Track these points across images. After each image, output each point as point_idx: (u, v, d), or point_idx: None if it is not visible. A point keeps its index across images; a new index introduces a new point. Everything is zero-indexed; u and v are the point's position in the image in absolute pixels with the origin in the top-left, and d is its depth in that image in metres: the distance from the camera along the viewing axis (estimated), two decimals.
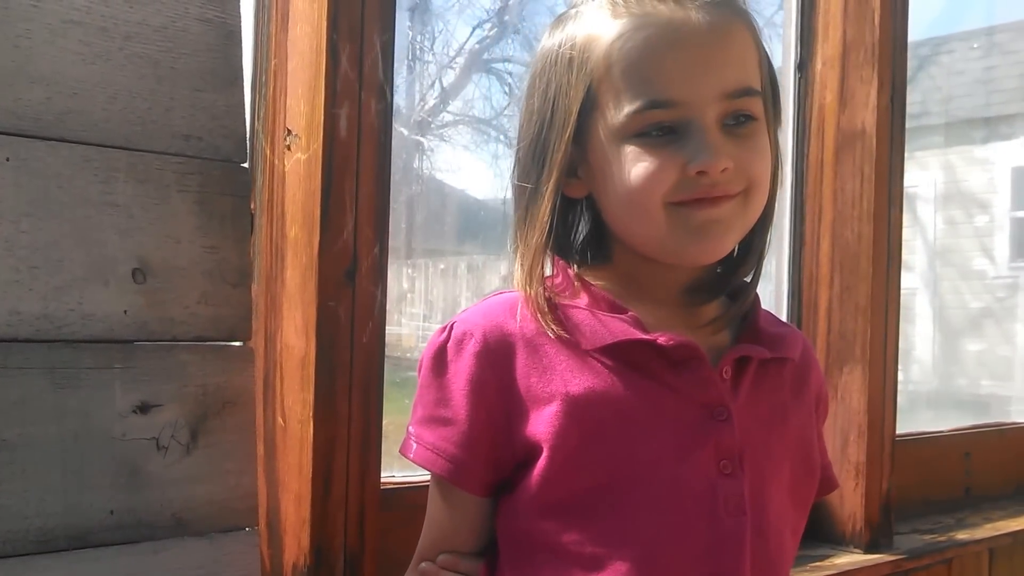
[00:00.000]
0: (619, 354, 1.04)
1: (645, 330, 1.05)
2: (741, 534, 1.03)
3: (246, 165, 1.28)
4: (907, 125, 2.14)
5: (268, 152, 1.35)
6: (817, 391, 1.18)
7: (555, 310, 1.06)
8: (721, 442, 1.04)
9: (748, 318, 1.12)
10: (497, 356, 1.05)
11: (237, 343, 1.27)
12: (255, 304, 1.34)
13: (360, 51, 1.31)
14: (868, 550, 1.98)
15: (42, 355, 1.11)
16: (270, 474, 1.34)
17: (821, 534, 2.00)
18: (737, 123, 1.03)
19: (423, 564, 1.13)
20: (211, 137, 1.23)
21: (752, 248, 1.12)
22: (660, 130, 1.02)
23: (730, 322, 1.12)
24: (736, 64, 1.04)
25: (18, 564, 1.08)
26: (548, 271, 1.11)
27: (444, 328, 1.09)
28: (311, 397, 1.29)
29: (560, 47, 1.07)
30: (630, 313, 1.06)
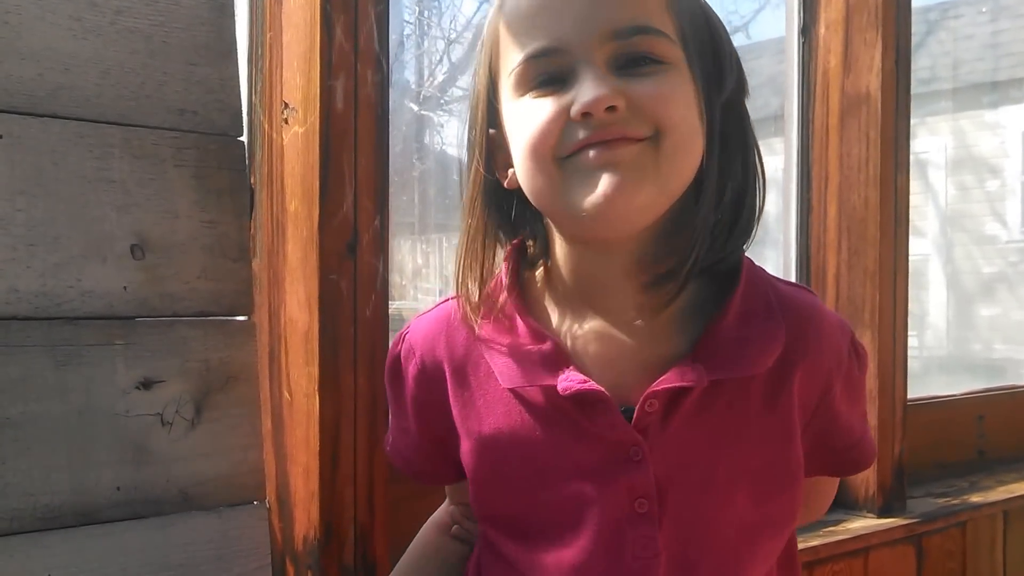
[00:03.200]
0: (529, 395, 1.01)
1: (561, 359, 1.00)
2: (647, 572, 0.98)
3: (243, 139, 1.27)
4: (916, 91, 2.12)
5: (266, 126, 1.35)
6: (822, 376, 1.04)
7: (475, 329, 1.04)
8: (634, 482, 0.98)
9: (716, 319, 1.00)
10: (432, 381, 1.08)
11: (239, 318, 1.27)
12: (258, 278, 1.34)
13: (355, 22, 1.30)
14: (881, 514, 1.97)
15: (42, 332, 1.11)
16: (278, 448, 1.34)
17: (835, 499, 1.99)
18: (636, 64, 0.94)
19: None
20: (206, 111, 1.23)
21: (706, 217, 0.98)
22: (545, 83, 0.95)
23: (690, 325, 1.01)
24: (624, 2, 0.94)
25: (25, 541, 1.08)
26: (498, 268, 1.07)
27: (399, 337, 1.13)
28: (316, 371, 1.29)
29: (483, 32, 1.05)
30: (547, 343, 1.00)
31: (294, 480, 1.32)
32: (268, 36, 1.34)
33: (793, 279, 2.11)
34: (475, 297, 1.04)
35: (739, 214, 1.02)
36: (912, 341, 2.11)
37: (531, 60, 0.96)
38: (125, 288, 1.16)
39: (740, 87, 1.04)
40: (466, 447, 1.05)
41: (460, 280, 1.05)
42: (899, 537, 1.94)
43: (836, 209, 2.07)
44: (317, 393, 1.29)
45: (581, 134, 0.93)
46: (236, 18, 1.27)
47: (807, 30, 2.13)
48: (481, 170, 1.04)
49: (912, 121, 2.10)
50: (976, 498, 2.16)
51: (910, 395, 2.07)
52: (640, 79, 0.94)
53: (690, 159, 0.96)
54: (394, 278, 1.38)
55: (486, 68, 1.02)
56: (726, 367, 0.97)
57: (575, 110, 0.92)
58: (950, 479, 2.31)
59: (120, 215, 1.16)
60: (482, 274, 1.04)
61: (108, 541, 1.14)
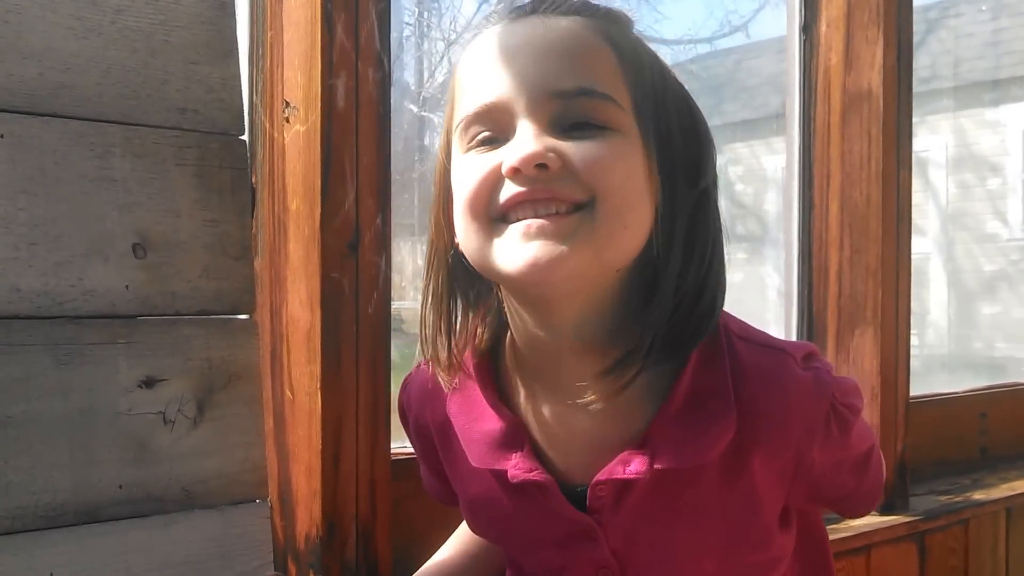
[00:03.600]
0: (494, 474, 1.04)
1: (516, 440, 1.01)
2: None
3: (244, 137, 1.27)
4: (917, 89, 2.12)
5: (267, 125, 1.35)
6: (790, 451, 0.99)
7: (443, 398, 1.07)
8: (594, 557, 1.01)
9: (664, 404, 0.97)
10: (426, 438, 1.15)
11: (241, 316, 1.27)
12: (260, 277, 1.34)
13: (355, 20, 1.30)
14: (884, 511, 1.97)
15: (44, 332, 1.11)
16: (280, 446, 1.34)
17: None
18: (578, 129, 0.91)
19: None
20: (207, 110, 1.23)
21: (662, 287, 0.95)
22: (487, 140, 0.94)
23: (648, 404, 0.98)
24: (572, 65, 0.92)
25: (27, 540, 1.08)
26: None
27: (404, 383, 1.20)
28: (318, 369, 1.29)
29: None
30: (503, 423, 1.02)
31: (296, 478, 1.32)
32: (269, 35, 1.34)
33: (795, 277, 2.12)
34: (444, 358, 1.03)
35: (699, 300, 0.97)
36: (913, 339, 2.11)
37: (476, 114, 0.94)
38: (127, 287, 1.16)
39: (714, 180, 1.00)
40: (460, 502, 1.14)
41: (428, 342, 1.05)
42: (902, 535, 1.94)
43: (838, 207, 2.07)
44: (319, 391, 1.29)
45: (512, 191, 0.91)
46: (237, 17, 1.27)
47: (808, 27, 2.13)
48: (443, 225, 1.02)
49: (913, 119, 2.10)
50: (978, 495, 2.16)
51: (912, 393, 2.07)
52: (579, 141, 0.91)
53: (630, 229, 0.93)
54: (394, 278, 1.38)
55: (447, 120, 1.01)
56: (672, 457, 0.95)
57: (505, 166, 0.90)
58: (952, 477, 2.31)
59: (122, 214, 1.16)
60: (449, 335, 1.03)
61: (110, 539, 1.13)
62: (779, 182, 2.22)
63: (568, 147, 0.90)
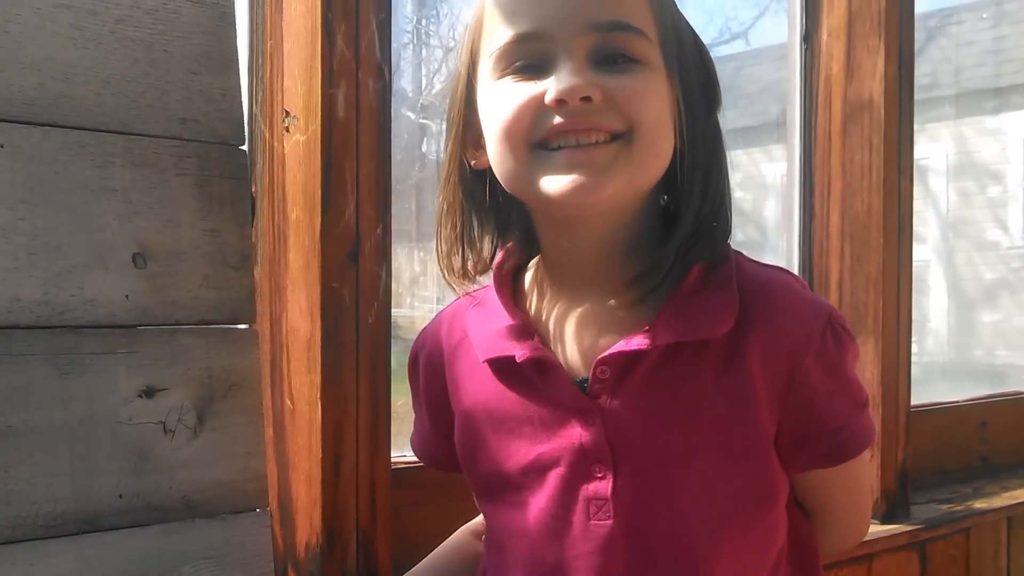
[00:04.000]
0: (498, 366, 1.07)
1: (526, 333, 1.05)
2: (600, 537, 1.01)
3: (244, 147, 1.27)
4: (917, 97, 2.12)
5: (267, 135, 1.35)
6: (785, 350, 1.02)
7: (461, 318, 1.13)
8: (587, 446, 1.01)
9: (674, 292, 1.02)
10: (437, 367, 1.17)
11: (241, 326, 1.27)
12: (260, 287, 1.34)
13: (356, 30, 1.30)
14: (885, 520, 1.97)
15: (44, 341, 1.11)
16: (280, 455, 1.34)
17: None
18: (613, 62, 0.98)
19: None
20: (208, 120, 1.23)
21: (686, 210, 1.03)
22: (524, 68, 0.99)
23: (655, 297, 1.03)
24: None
25: (28, 549, 1.08)
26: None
27: (419, 335, 1.23)
28: (318, 379, 1.29)
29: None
30: (516, 319, 1.07)
31: (296, 487, 1.32)
32: (269, 44, 1.35)
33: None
34: (459, 267, 1.10)
35: (717, 218, 1.05)
36: (914, 347, 2.11)
37: (512, 43, 0.99)
38: (127, 297, 1.16)
39: (719, 105, 1.08)
40: (456, 422, 1.13)
41: (443, 256, 1.11)
42: (903, 543, 1.94)
43: (839, 216, 2.07)
44: (319, 401, 1.29)
45: (554, 120, 0.97)
46: (237, 27, 1.27)
47: (809, 36, 2.14)
48: (457, 149, 1.09)
49: (914, 127, 2.10)
50: (980, 504, 2.16)
51: (913, 401, 2.07)
52: (616, 75, 0.97)
53: (660, 157, 1.01)
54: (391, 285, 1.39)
55: (468, 49, 1.06)
56: (674, 333, 1.00)
57: (550, 96, 0.96)
58: (953, 485, 2.31)
59: (122, 224, 1.16)
60: (463, 247, 1.10)
61: (111, 549, 1.13)
62: (778, 189, 2.22)
63: (609, 81, 0.97)
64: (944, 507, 2.11)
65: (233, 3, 1.26)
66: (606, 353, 1.01)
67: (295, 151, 1.32)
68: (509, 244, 1.12)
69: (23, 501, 1.08)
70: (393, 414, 1.38)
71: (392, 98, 1.38)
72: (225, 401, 1.23)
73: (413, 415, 1.27)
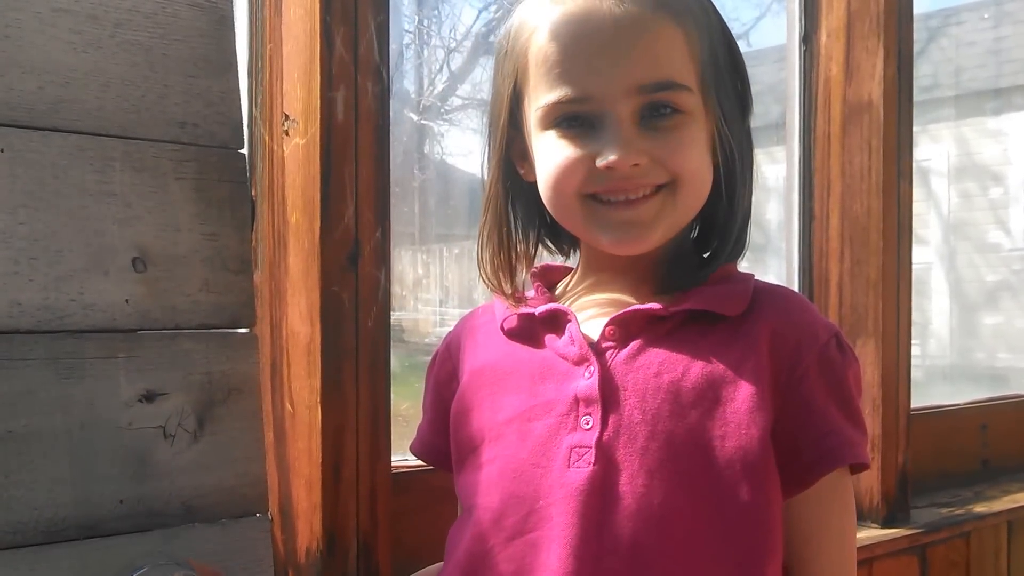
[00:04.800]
0: (515, 330, 1.12)
1: (551, 301, 1.12)
2: (578, 482, 1.01)
3: (243, 151, 1.27)
4: (918, 98, 2.12)
5: (267, 138, 1.35)
6: (791, 343, 1.04)
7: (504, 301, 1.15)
8: (580, 395, 1.04)
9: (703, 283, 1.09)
10: (452, 349, 1.19)
11: (241, 330, 1.27)
12: (260, 291, 1.34)
13: (355, 33, 1.30)
14: (885, 524, 1.97)
15: (45, 346, 1.11)
16: (280, 460, 1.34)
17: None
18: (658, 115, 1.03)
19: None
20: (207, 124, 1.23)
21: (722, 233, 1.11)
22: (574, 121, 1.04)
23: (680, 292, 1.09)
24: (650, 57, 1.03)
25: (29, 554, 1.08)
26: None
27: None
28: (318, 383, 1.29)
29: (505, 35, 1.12)
30: (547, 299, 1.13)
31: (296, 492, 1.32)
32: (268, 48, 1.35)
33: (796, 288, 2.11)
34: (507, 288, 1.14)
35: (748, 224, 1.12)
36: (915, 350, 2.11)
37: (560, 103, 1.04)
38: (127, 301, 1.16)
39: (751, 107, 1.14)
40: (457, 394, 1.15)
41: (489, 277, 1.15)
42: (903, 547, 1.94)
43: (838, 218, 2.07)
44: (319, 405, 1.29)
45: (605, 181, 1.03)
46: (236, 30, 1.27)
47: (808, 38, 2.14)
48: (501, 162, 1.13)
49: (914, 129, 2.10)
50: (980, 508, 2.16)
51: (913, 404, 2.07)
52: (662, 135, 1.03)
53: (700, 199, 1.08)
54: (394, 288, 1.39)
55: (512, 76, 1.10)
56: (688, 304, 1.05)
57: (602, 163, 1.02)
58: (954, 489, 2.31)
59: (121, 228, 1.16)
60: (510, 260, 1.14)
61: (111, 554, 1.13)
62: (780, 191, 2.21)
63: (655, 143, 1.03)
64: (944, 511, 2.11)
65: (232, 7, 1.26)
66: (618, 313, 1.06)
67: (295, 155, 1.32)
68: (533, 243, 1.18)
69: (24, 506, 1.08)
70: (394, 418, 1.37)
71: (393, 99, 1.38)
72: (225, 406, 1.23)
73: (416, 419, 1.27)
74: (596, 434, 1.02)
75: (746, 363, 1.02)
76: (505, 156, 1.12)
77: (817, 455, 1.03)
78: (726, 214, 1.10)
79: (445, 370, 1.19)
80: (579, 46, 1.03)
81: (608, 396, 1.03)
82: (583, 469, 1.01)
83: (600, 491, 1.00)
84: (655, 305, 1.05)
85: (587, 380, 1.04)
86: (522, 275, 1.16)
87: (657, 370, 1.03)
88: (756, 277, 1.12)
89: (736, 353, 1.03)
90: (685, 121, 1.04)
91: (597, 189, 1.04)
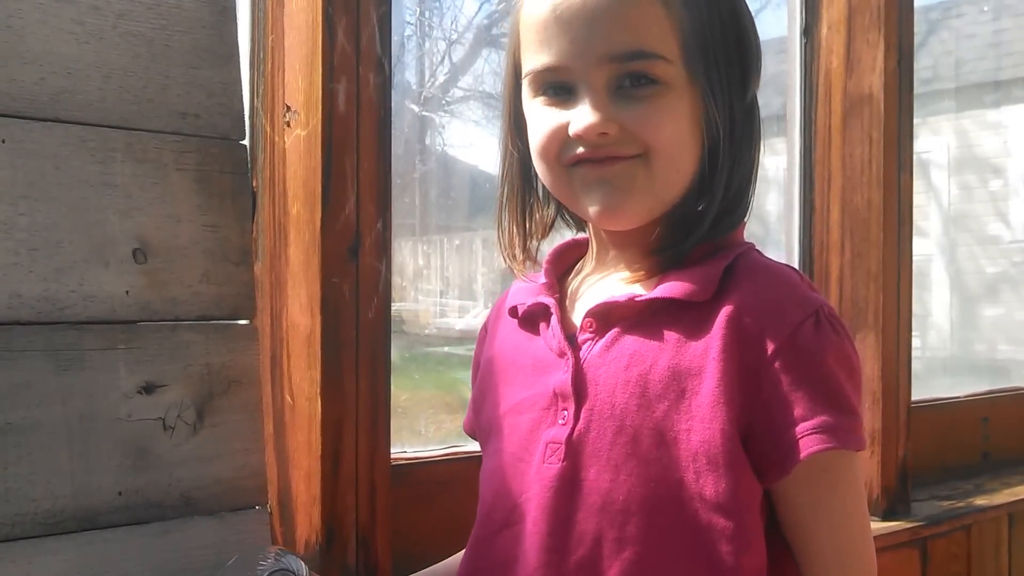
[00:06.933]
0: (522, 317, 1.15)
1: (549, 291, 1.13)
2: (549, 478, 1.03)
3: (245, 142, 1.27)
4: (918, 91, 2.12)
5: (268, 129, 1.34)
6: (756, 328, 1.00)
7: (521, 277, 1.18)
8: (557, 390, 1.06)
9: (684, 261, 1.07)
10: (485, 332, 1.25)
11: (241, 321, 1.27)
12: (260, 282, 1.34)
13: (356, 24, 1.30)
14: (886, 517, 1.97)
15: (44, 337, 1.10)
16: (280, 452, 1.33)
17: None
18: (634, 85, 1.03)
19: None
20: (208, 115, 1.22)
21: (701, 213, 1.07)
22: (554, 91, 1.06)
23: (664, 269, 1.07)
24: (622, 26, 1.02)
25: (27, 546, 1.08)
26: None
27: None
28: (318, 374, 1.29)
29: (514, 5, 1.13)
30: (544, 281, 1.15)
31: (296, 484, 1.32)
32: (270, 39, 1.34)
33: None
34: (519, 255, 1.16)
35: (741, 201, 1.10)
36: (915, 342, 2.11)
37: (540, 72, 1.06)
38: (127, 292, 1.16)
39: (756, 81, 1.11)
40: (481, 370, 1.21)
41: (505, 245, 1.17)
42: (903, 540, 1.94)
43: (839, 210, 2.06)
44: (319, 397, 1.28)
45: (578, 150, 1.05)
46: (238, 21, 1.27)
47: (809, 30, 2.13)
48: (513, 138, 1.15)
49: (914, 121, 2.10)
50: (981, 501, 2.16)
51: (914, 397, 2.06)
52: (634, 104, 1.03)
53: (680, 172, 1.06)
54: (395, 279, 1.38)
55: (513, 48, 1.12)
56: (655, 293, 1.05)
57: (571, 131, 1.04)
58: (954, 482, 2.31)
59: (122, 219, 1.16)
60: (524, 234, 1.16)
61: (110, 546, 1.13)
62: (780, 183, 2.21)
63: (625, 112, 1.02)
64: (945, 504, 2.11)
65: None
66: (593, 305, 1.07)
67: (296, 146, 1.31)
68: (559, 245, 1.21)
69: (23, 498, 1.08)
70: (393, 410, 1.37)
71: (394, 91, 1.37)
72: (225, 397, 1.23)
73: (417, 411, 1.29)
74: (568, 429, 1.04)
75: (712, 352, 1.00)
76: (515, 124, 1.14)
77: (788, 444, 0.99)
78: (707, 191, 1.07)
79: (479, 351, 1.25)
80: (558, 15, 1.03)
81: (580, 391, 1.05)
82: (554, 465, 1.04)
83: (569, 486, 1.03)
84: (626, 295, 1.06)
85: (563, 375, 1.06)
86: (535, 245, 1.17)
87: (627, 363, 1.04)
88: (751, 246, 1.10)
89: (703, 342, 1.01)
90: (661, 92, 1.03)
91: (571, 160, 1.06)
